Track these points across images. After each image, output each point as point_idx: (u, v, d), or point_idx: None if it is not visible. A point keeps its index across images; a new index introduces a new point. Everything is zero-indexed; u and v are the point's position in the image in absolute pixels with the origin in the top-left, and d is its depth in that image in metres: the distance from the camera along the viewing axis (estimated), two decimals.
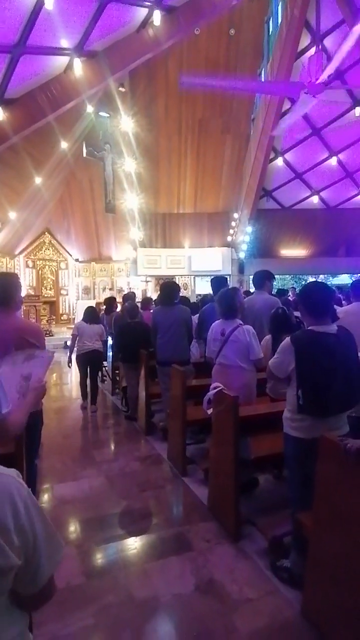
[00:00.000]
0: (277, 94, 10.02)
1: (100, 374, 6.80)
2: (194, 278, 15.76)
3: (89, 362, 6.03)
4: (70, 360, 6.24)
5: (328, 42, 10.22)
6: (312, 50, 8.80)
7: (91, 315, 6.27)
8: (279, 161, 13.06)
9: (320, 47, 8.43)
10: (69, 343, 7.50)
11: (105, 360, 7.01)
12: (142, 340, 5.24)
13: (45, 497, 3.53)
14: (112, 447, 4.76)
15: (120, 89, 11.72)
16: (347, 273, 15.21)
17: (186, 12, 9.28)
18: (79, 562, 2.63)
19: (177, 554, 2.66)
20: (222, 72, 11.86)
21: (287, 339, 2.41)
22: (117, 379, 6.84)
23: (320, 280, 4.86)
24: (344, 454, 1.89)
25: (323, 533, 2.04)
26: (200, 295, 12.76)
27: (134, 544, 2.84)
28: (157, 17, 8.91)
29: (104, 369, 7.42)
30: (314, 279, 16.04)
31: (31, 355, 1.92)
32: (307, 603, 2.13)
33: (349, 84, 10.65)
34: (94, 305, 7.53)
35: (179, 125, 13.11)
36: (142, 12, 8.91)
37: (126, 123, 12.35)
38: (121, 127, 12.45)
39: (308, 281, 15.41)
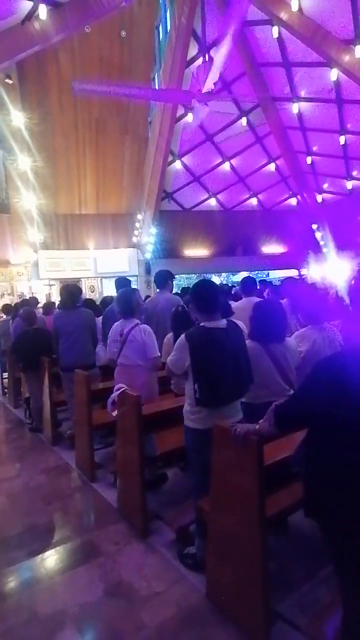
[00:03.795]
0: (170, 102, 10.33)
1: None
2: (101, 280, 15.46)
3: None
4: None
5: (214, 52, 10.80)
6: (200, 60, 9.25)
7: None
8: (177, 164, 13.47)
9: (207, 57, 8.87)
10: None
11: None
12: (42, 347, 5.01)
13: None
14: (15, 462, 4.45)
15: (7, 80, 10.99)
16: (245, 270, 16.26)
17: (74, 10, 9.01)
18: None
19: (85, 563, 2.61)
20: (117, 74, 11.81)
21: (182, 337, 2.51)
22: (21, 390, 6.43)
23: (207, 278, 5.17)
24: (234, 439, 2.03)
25: (219, 515, 2.18)
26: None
27: (40, 562, 2.70)
28: (42, 11, 8.53)
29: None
30: (217, 277, 16.97)
31: None
32: (210, 585, 2.25)
33: (235, 94, 11.45)
34: None
35: (75, 123, 12.71)
36: (27, 4, 8.47)
37: (17, 118, 11.61)
38: (12, 121, 11.67)
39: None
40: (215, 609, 2.16)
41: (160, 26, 11.96)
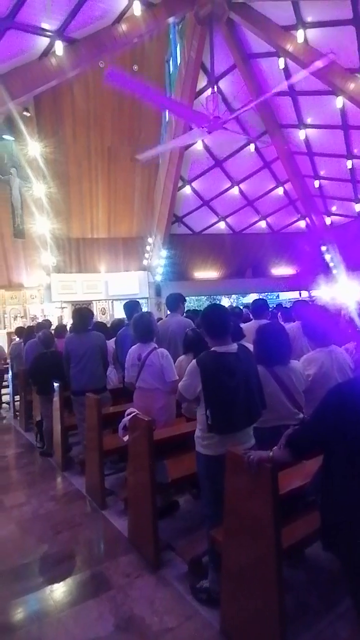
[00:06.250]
0: (184, 118, 10.51)
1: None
2: (112, 302, 15.60)
3: None
4: None
5: (222, 84, 11.20)
6: (209, 91, 9.56)
7: None
8: (187, 189, 13.75)
9: (215, 89, 9.18)
10: None
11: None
12: (57, 371, 5.02)
13: None
14: (25, 488, 4.40)
15: (25, 113, 11.48)
16: (255, 292, 16.29)
17: (88, 45, 9.47)
18: None
19: (95, 596, 2.53)
20: (129, 105, 12.29)
21: (193, 362, 2.49)
22: (32, 413, 6.43)
23: (217, 303, 5.19)
24: (247, 466, 1.99)
25: (233, 547, 2.11)
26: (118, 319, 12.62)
27: (49, 594, 2.64)
28: (59, 47, 8.99)
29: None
30: (227, 299, 17.01)
31: None
32: (224, 620, 2.16)
33: (243, 123, 11.77)
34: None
35: (88, 152, 13.15)
36: (44, 41, 8.93)
37: (33, 147, 12.09)
38: (28, 151, 12.14)
39: (221, 301, 16.20)
40: None
41: (171, 60, 12.45)
